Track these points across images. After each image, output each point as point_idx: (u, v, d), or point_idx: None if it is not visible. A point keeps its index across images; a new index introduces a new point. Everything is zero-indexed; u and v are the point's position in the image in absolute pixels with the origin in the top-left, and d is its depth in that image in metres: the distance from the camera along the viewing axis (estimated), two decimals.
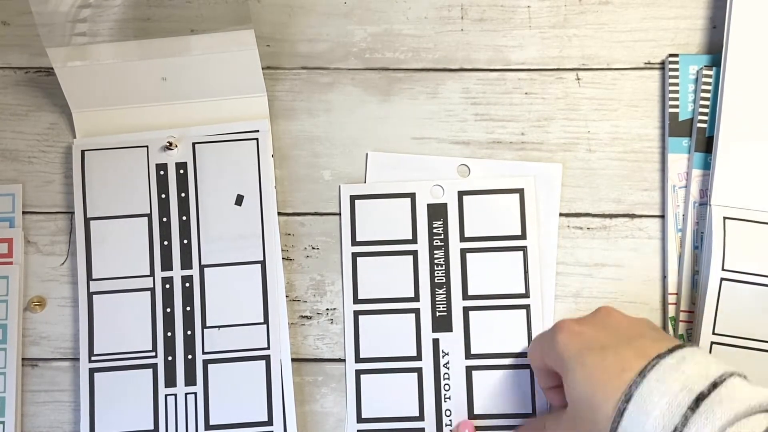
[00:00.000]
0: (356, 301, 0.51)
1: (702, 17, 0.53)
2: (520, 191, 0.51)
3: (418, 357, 0.50)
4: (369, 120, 0.53)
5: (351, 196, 0.52)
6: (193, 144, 0.51)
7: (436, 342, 0.50)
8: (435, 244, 0.51)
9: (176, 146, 0.51)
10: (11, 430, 0.50)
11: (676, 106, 0.51)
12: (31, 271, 0.52)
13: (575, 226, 0.52)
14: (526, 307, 0.50)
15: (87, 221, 0.51)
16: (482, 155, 0.52)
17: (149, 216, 0.51)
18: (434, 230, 0.51)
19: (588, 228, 0.52)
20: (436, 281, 0.50)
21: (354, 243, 0.51)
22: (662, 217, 0.52)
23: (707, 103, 0.51)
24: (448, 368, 0.50)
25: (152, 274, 0.50)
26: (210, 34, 0.51)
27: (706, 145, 0.50)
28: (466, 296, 0.50)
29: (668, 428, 0.36)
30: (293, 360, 0.51)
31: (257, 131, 0.52)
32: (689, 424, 0.36)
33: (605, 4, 0.53)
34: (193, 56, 0.51)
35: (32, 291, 0.52)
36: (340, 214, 0.52)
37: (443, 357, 0.50)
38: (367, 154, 0.52)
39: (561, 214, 0.52)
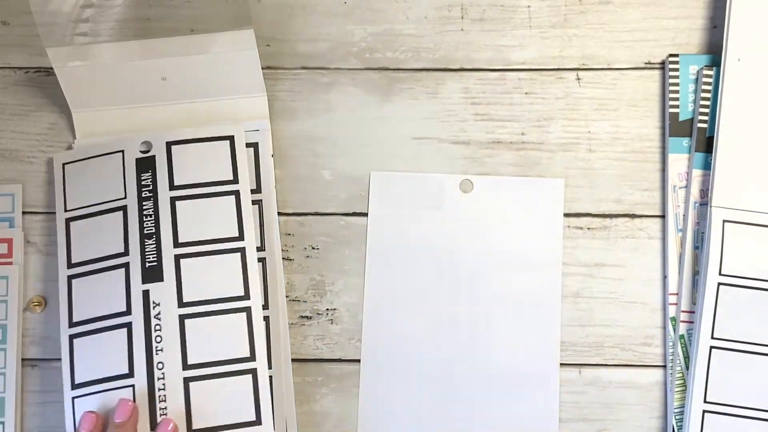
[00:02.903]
0: (69, 266, 0.50)
1: (702, 17, 0.53)
2: (230, 138, 0.51)
3: (128, 311, 0.49)
4: (369, 120, 0.53)
5: (63, 164, 0.51)
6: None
7: (146, 293, 0.49)
8: (143, 195, 0.50)
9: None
10: (11, 430, 0.50)
11: (677, 106, 0.51)
12: (30, 271, 0.52)
13: (576, 226, 0.52)
14: (241, 250, 0.49)
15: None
16: (482, 155, 0.52)
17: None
18: (142, 182, 0.50)
19: (588, 228, 0.52)
20: (146, 232, 0.50)
21: (66, 210, 0.51)
22: (663, 217, 0.51)
23: (707, 103, 0.51)
24: (159, 319, 0.49)
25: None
26: (210, 34, 0.51)
27: (707, 145, 0.50)
28: (177, 244, 0.50)
29: None
30: (293, 360, 0.51)
31: (257, 131, 0.52)
32: None
33: (605, 3, 0.53)
34: (193, 56, 0.51)
35: (32, 291, 0.52)
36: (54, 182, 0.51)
37: (154, 308, 0.49)
38: (369, 175, 0.52)
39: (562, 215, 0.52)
